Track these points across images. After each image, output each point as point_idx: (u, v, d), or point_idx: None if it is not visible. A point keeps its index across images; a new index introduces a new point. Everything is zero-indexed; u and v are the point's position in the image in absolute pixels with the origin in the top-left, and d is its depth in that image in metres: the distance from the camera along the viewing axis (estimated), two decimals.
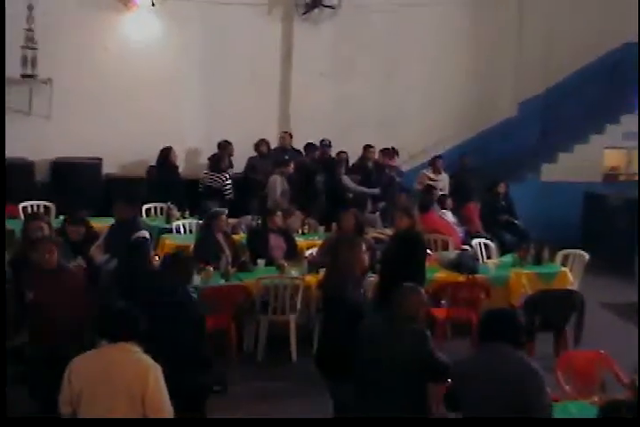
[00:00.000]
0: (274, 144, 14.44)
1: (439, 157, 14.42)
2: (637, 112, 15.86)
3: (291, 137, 14.55)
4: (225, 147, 13.78)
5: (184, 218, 11.96)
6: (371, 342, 5.74)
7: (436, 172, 14.12)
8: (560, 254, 10.78)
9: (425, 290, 8.80)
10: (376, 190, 13.44)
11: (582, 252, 10.83)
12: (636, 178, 17.14)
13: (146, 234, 9.18)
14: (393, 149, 14.29)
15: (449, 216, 12.31)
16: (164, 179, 13.09)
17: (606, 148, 16.71)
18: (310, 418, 6.51)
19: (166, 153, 13.28)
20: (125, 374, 4.88)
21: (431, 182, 13.58)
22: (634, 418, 3.93)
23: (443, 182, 14.00)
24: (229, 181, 12.98)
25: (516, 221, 13.57)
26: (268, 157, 13.86)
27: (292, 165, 12.79)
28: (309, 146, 14.19)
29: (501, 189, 13.62)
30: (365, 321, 6.00)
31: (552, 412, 5.07)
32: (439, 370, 5.62)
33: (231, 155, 13.83)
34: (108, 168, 14.01)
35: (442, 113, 16.15)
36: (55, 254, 6.93)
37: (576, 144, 16.43)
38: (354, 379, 5.82)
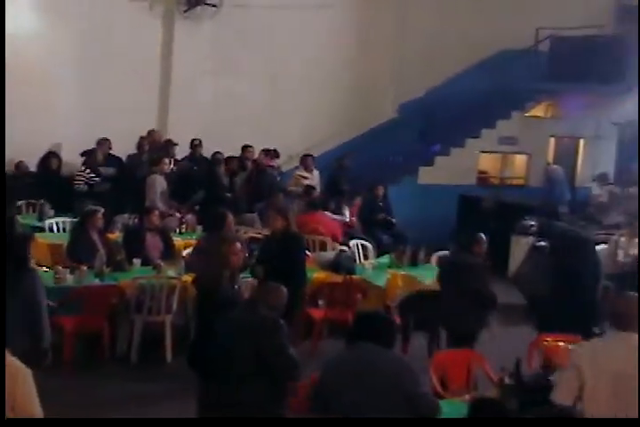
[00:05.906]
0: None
1: (309, 155, 14.49)
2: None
3: (160, 135, 14.42)
4: (99, 143, 13.50)
5: (58, 216, 11.67)
6: (231, 333, 5.76)
7: (308, 170, 14.19)
8: (436, 256, 10.94)
9: (304, 290, 8.99)
10: None
11: None
12: (510, 182, 17.65)
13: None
14: (275, 150, 14.29)
15: (333, 215, 12.43)
16: (41, 178, 12.90)
17: (482, 152, 17.13)
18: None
19: (45, 158, 13.14)
20: None
21: (304, 181, 13.70)
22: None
23: (314, 180, 14.10)
24: (82, 173, 12.75)
25: (393, 220, 13.73)
26: (146, 154, 13.67)
27: (167, 162, 12.67)
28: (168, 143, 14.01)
29: (379, 190, 13.76)
30: (230, 315, 6.02)
31: (434, 399, 5.26)
32: (289, 363, 5.67)
33: (106, 152, 13.52)
34: None
35: (323, 114, 16.24)
36: None
37: (452, 147, 16.76)
38: (211, 372, 5.83)
